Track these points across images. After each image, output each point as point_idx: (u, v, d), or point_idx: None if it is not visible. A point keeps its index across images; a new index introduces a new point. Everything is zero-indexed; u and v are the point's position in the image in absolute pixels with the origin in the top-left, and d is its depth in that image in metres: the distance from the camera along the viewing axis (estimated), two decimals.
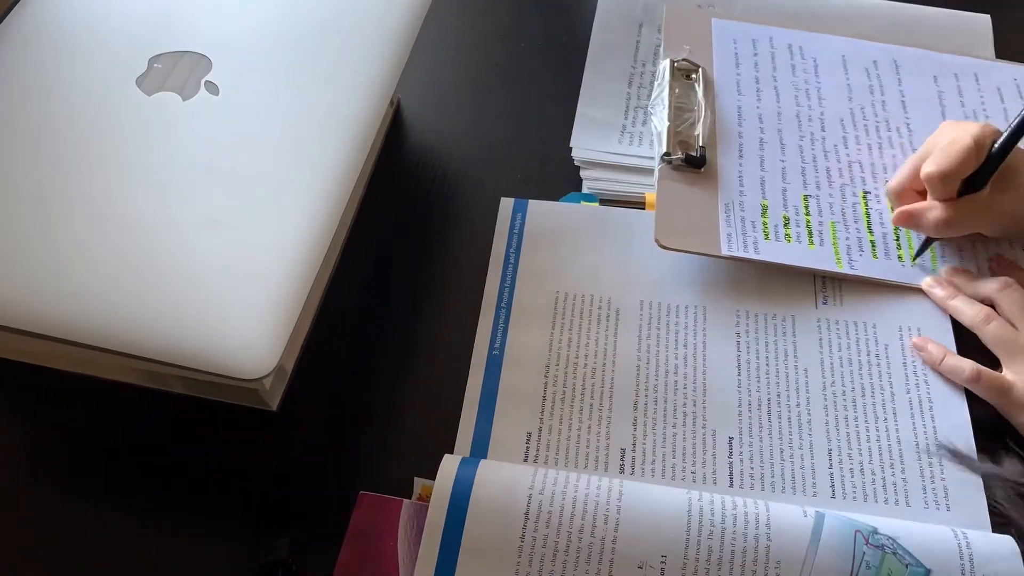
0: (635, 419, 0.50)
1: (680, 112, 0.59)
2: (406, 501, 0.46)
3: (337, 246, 0.56)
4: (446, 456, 0.46)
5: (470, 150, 0.62)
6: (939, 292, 0.54)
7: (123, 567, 0.45)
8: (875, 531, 0.43)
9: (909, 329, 0.53)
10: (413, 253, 0.57)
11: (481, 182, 0.60)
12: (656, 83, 0.62)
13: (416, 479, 0.47)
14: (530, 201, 0.58)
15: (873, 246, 0.56)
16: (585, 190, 0.59)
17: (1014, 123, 0.51)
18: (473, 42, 0.69)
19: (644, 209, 0.58)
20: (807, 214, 0.57)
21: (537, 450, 0.49)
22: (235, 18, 0.52)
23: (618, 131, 0.62)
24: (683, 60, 0.62)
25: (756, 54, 0.65)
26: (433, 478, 0.45)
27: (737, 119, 0.61)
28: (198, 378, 0.42)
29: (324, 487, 0.47)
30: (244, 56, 0.51)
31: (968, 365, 0.50)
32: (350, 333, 0.53)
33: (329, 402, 0.50)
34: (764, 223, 0.56)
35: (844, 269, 0.54)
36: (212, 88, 0.49)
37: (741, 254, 0.54)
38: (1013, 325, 0.51)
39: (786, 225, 0.56)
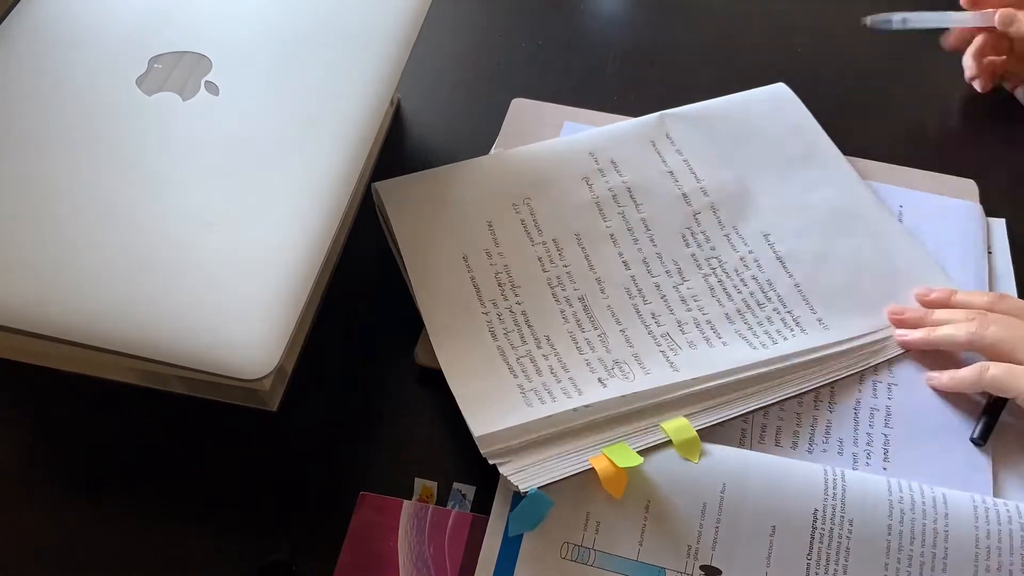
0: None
1: None
2: (406, 501, 0.46)
3: (337, 246, 0.56)
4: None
5: (470, 150, 0.62)
6: (916, 335, 0.49)
7: (122, 567, 0.45)
8: None
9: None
10: None
11: None
12: None
13: (416, 479, 0.47)
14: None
15: None
16: (516, 487, 0.42)
17: None
18: (473, 42, 0.69)
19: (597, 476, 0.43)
20: None
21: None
22: (235, 19, 0.52)
23: (517, 392, 0.47)
24: None
25: None
26: (433, 478, 0.45)
27: None
28: (198, 378, 0.41)
29: (324, 487, 0.47)
30: (244, 56, 0.51)
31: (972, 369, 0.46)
32: (350, 333, 0.53)
33: (329, 402, 0.50)
34: None
35: None
36: (212, 88, 0.49)
37: None
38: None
39: None
